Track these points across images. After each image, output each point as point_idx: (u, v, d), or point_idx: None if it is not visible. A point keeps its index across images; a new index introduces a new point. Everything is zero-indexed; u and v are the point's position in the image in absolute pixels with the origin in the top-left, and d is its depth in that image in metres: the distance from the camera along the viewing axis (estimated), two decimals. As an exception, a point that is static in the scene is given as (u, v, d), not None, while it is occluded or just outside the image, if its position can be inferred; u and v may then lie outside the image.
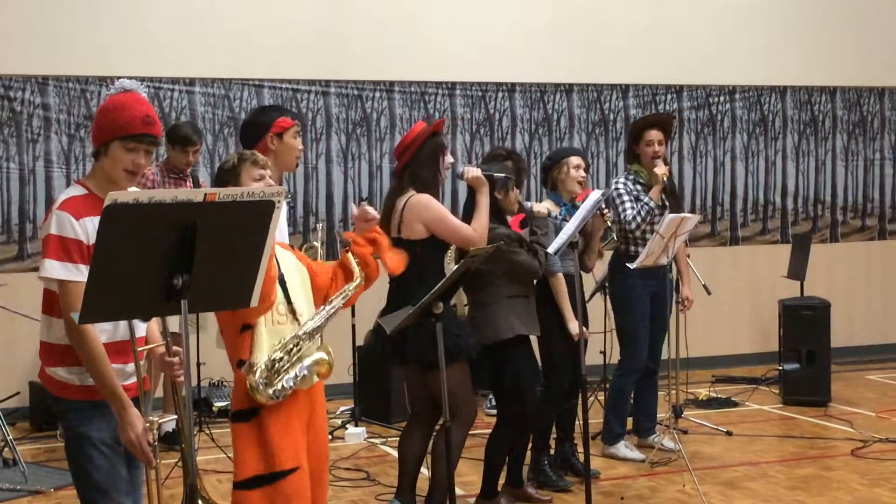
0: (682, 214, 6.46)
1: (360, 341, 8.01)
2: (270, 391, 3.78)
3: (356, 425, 7.77)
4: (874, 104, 10.99)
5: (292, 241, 5.61)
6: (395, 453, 7.22)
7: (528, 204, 5.94)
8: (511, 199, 5.71)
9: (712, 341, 10.24)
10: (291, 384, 3.84)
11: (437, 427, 5.40)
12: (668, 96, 10.26)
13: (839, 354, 9.60)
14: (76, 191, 3.63)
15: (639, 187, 6.82)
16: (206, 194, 2.94)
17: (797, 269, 9.73)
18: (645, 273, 6.64)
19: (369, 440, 7.58)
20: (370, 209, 4.34)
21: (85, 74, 8.52)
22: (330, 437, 7.44)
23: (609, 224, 6.01)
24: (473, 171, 5.40)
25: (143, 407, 3.60)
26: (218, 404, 8.01)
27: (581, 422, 5.59)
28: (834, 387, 8.64)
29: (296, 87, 9.12)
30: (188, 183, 7.36)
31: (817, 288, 9.74)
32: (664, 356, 6.99)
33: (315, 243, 4.44)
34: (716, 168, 10.47)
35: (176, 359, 3.62)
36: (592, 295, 7.68)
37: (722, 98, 10.45)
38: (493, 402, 8.15)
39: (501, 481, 5.97)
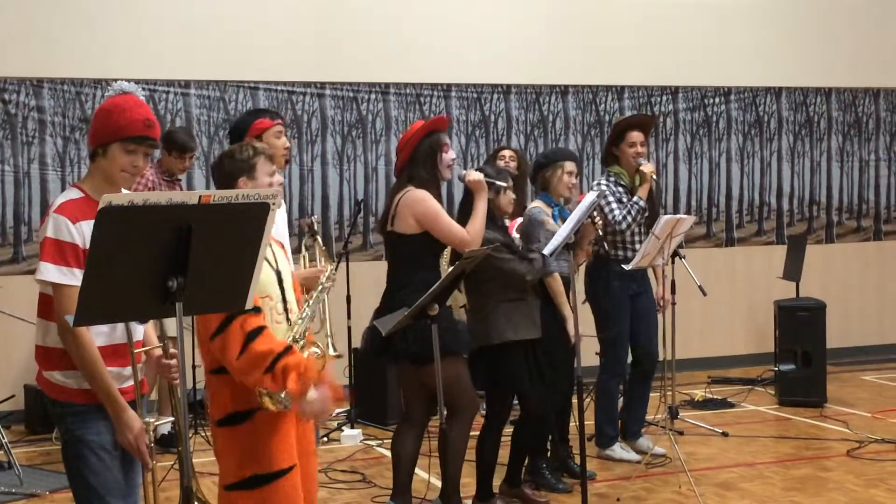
0: (678, 216, 6.47)
1: (356, 343, 8.02)
2: (281, 395, 3.73)
3: (352, 427, 7.76)
4: (869, 105, 11.00)
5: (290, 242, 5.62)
6: (390, 455, 7.22)
7: (536, 211, 5.98)
8: (504, 202, 5.71)
9: (708, 342, 10.25)
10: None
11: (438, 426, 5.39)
12: (664, 97, 10.27)
13: (835, 355, 9.61)
14: (73, 194, 3.63)
15: (621, 189, 6.78)
16: (200, 196, 2.94)
17: (793, 270, 9.74)
18: (623, 276, 6.65)
19: (365, 442, 7.57)
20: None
21: (80, 77, 8.51)
22: (326, 439, 7.49)
23: (599, 232, 6.01)
24: (474, 175, 5.41)
25: (140, 409, 3.60)
26: (214, 407, 8.00)
27: (577, 423, 5.58)
28: (829, 387, 8.65)
29: (291, 89, 9.11)
30: (179, 186, 7.39)
31: (813, 289, 9.75)
32: (659, 357, 6.99)
33: (313, 218, 4.46)
34: (711, 169, 10.48)
35: (173, 361, 3.61)
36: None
37: (717, 99, 10.46)
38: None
39: (497, 481, 5.97)
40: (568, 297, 5.95)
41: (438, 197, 5.36)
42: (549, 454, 6.47)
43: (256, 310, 3.67)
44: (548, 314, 5.93)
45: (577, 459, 6.03)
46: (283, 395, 3.73)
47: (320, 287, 4.10)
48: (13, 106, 8.42)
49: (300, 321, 3.91)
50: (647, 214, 6.74)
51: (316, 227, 4.73)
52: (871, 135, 11.04)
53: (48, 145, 8.48)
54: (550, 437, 6.50)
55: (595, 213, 5.93)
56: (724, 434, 7.60)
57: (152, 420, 3.61)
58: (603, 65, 10.00)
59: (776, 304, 8.96)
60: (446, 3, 9.57)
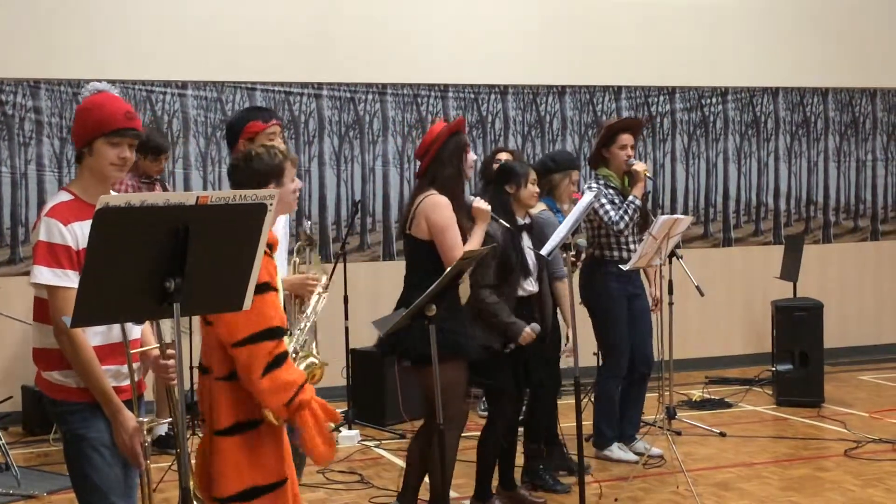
0: (675, 216, 6.47)
1: (353, 344, 8.03)
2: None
3: (350, 428, 7.76)
4: (866, 105, 11.01)
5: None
6: (389, 456, 7.23)
7: (546, 215, 6.00)
8: (525, 195, 5.77)
9: (705, 342, 10.25)
10: None
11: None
12: (661, 98, 10.27)
13: (832, 355, 9.62)
14: (63, 197, 3.66)
15: (611, 191, 6.78)
16: (198, 197, 2.94)
17: (790, 270, 9.75)
18: (620, 277, 6.66)
19: (363, 443, 7.57)
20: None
21: (77, 77, 8.50)
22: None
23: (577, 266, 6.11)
24: (482, 204, 5.39)
25: (136, 410, 3.60)
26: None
27: (575, 423, 5.58)
28: (827, 387, 8.66)
29: (288, 89, 9.11)
30: (157, 187, 7.35)
31: (810, 289, 9.76)
32: (656, 357, 6.99)
33: (311, 233, 4.43)
34: (708, 169, 10.48)
35: (171, 361, 3.61)
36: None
37: (714, 99, 10.46)
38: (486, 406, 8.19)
39: (495, 483, 5.97)
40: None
41: (462, 197, 5.35)
42: (545, 455, 6.48)
43: (285, 332, 3.63)
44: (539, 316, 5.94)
45: (573, 457, 6.04)
46: None
47: (317, 298, 4.07)
48: (10, 107, 8.41)
49: (300, 331, 3.89)
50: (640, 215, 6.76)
51: (313, 238, 4.70)
52: (868, 135, 11.05)
53: (45, 146, 8.48)
54: (545, 440, 6.51)
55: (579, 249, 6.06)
56: (722, 434, 7.60)
57: (146, 420, 3.60)
58: (600, 65, 10.01)
59: (773, 304, 8.97)
60: (444, 4, 9.57)
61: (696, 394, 8.93)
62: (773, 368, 8.81)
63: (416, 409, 7.86)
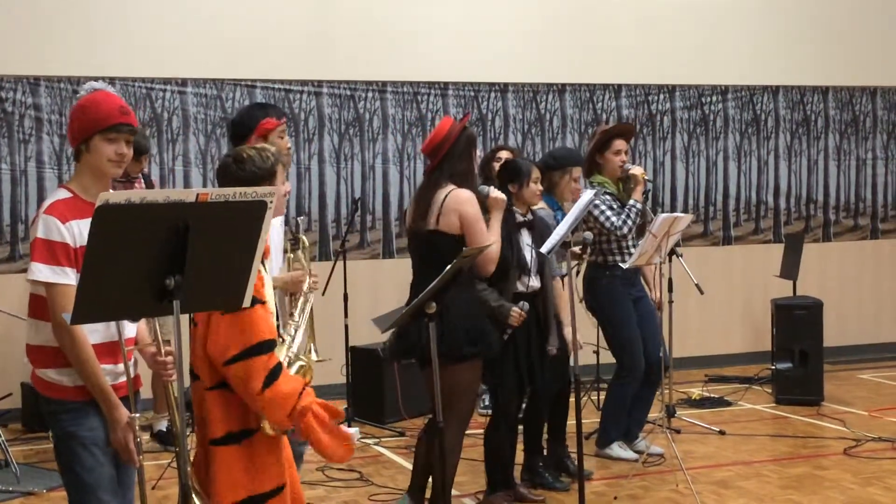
0: (675, 214, 6.46)
1: (353, 342, 8.03)
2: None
3: (349, 425, 7.71)
4: (866, 104, 11.01)
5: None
6: (388, 453, 7.23)
7: (544, 213, 6.00)
8: (528, 194, 5.80)
9: (705, 341, 10.25)
10: None
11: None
12: (661, 96, 10.27)
13: (832, 354, 9.61)
14: (61, 194, 3.68)
15: (608, 198, 6.75)
16: (198, 194, 2.93)
17: (790, 269, 9.75)
18: (625, 280, 6.65)
19: (363, 440, 7.57)
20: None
21: (76, 75, 8.50)
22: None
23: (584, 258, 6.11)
24: (499, 195, 5.45)
25: (133, 406, 3.61)
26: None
27: (574, 422, 5.58)
28: (826, 386, 8.66)
29: (288, 87, 9.11)
30: (139, 184, 7.32)
31: (810, 287, 9.76)
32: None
33: (303, 237, 4.41)
34: (708, 168, 10.48)
35: (169, 358, 3.61)
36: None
37: (714, 98, 10.46)
38: (487, 402, 8.19)
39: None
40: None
41: (475, 191, 5.37)
42: (545, 453, 6.48)
43: (276, 343, 3.59)
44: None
45: (574, 458, 6.04)
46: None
47: (304, 298, 4.06)
48: (10, 104, 8.41)
49: (290, 337, 3.86)
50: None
51: (302, 228, 4.68)
52: (868, 133, 11.05)
53: (45, 143, 8.48)
54: (547, 436, 6.52)
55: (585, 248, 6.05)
56: (721, 432, 7.60)
57: (137, 416, 3.61)
58: (600, 63, 10.00)
59: (773, 302, 8.97)
60: (444, 2, 9.57)
61: (696, 392, 8.93)
62: (773, 367, 8.81)
63: (415, 406, 7.88)
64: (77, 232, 3.54)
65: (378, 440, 7.55)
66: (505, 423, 5.83)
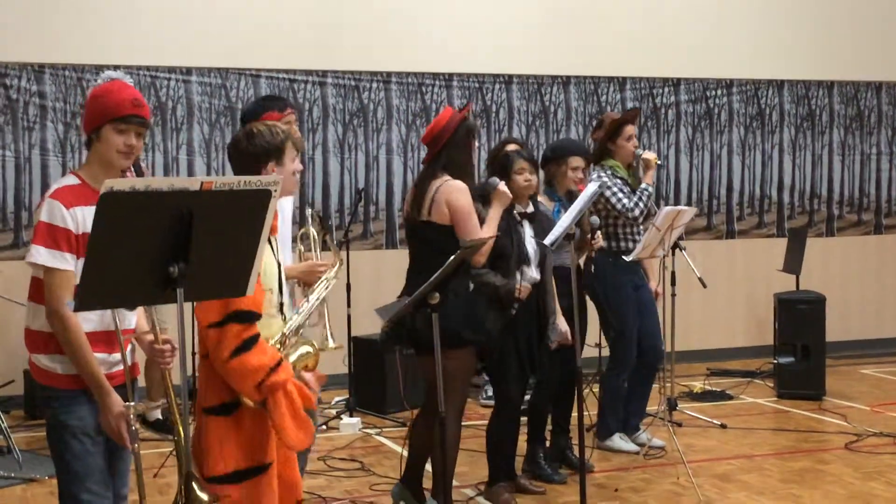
0: (679, 207, 6.47)
1: (355, 332, 8.03)
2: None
3: (351, 415, 7.77)
4: (871, 99, 10.99)
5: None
6: (390, 444, 7.24)
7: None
8: (515, 186, 5.73)
9: (707, 334, 10.26)
10: None
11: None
12: (665, 89, 10.25)
13: (834, 348, 9.61)
14: (69, 180, 3.67)
15: (619, 181, 6.76)
16: (202, 182, 2.93)
17: (793, 263, 9.74)
18: (627, 269, 6.65)
19: (364, 430, 7.58)
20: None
21: (81, 63, 8.50)
22: (325, 427, 7.49)
23: (595, 249, 6.11)
24: (505, 189, 5.46)
25: (130, 394, 3.61)
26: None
27: (577, 414, 5.59)
28: (828, 381, 8.65)
29: (293, 77, 9.10)
30: (130, 173, 7.31)
31: (813, 282, 9.76)
32: (659, 349, 7.00)
33: (312, 228, 4.41)
34: (712, 161, 10.47)
35: (167, 346, 3.61)
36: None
37: (719, 91, 10.45)
38: (489, 394, 8.20)
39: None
40: (568, 288, 5.93)
41: (472, 181, 5.39)
42: (548, 444, 6.49)
43: (258, 316, 3.60)
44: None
45: (576, 451, 6.05)
46: None
47: (325, 283, 4.06)
48: (14, 91, 8.41)
49: (295, 317, 3.85)
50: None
51: (315, 234, 4.68)
52: (872, 128, 11.03)
53: (49, 131, 8.48)
54: (550, 428, 6.53)
55: (598, 237, 6.02)
56: (723, 426, 7.60)
57: (132, 403, 3.62)
58: (605, 56, 9.99)
59: (776, 296, 8.96)
60: (449, -7, 9.56)
61: (698, 385, 8.93)
62: (775, 361, 8.81)
63: (417, 397, 7.87)
64: (81, 218, 3.54)
65: (380, 430, 7.56)
66: (507, 414, 5.84)
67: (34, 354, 3.68)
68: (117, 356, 3.66)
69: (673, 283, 6.59)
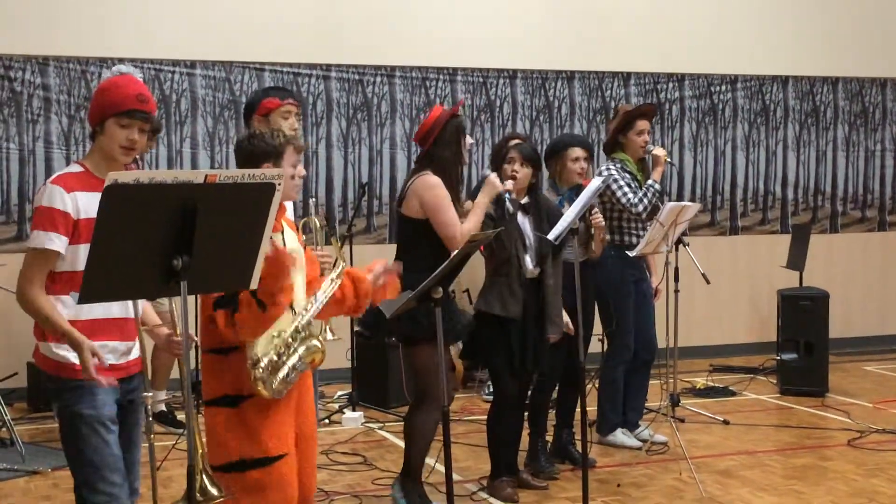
0: (683, 203, 6.46)
1: (358, 326, 8.03)
2: (275, 385, 3.72)
3: (353, 410, 7.78)
4: (876, 95, 10.98)
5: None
6: (392, 438, 7.24)
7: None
8: (503, 173, 5.71)
9: (710, 330, 10.25)
10: (293, 377, 3.77)
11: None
12: (670, 85, 10.24)
13: (837, 345, 9.61)
14: (73, 168, 3.71)
15: (627, 175, 6.76)
16: (206, 175, 2.93)
17: (796, 260, 9.74)
18: (628, 262, 6.65)
19: (366, 425, 7.59)
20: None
21: (85, 55, 8.50)
22: (327, 421, 7.50)
23: (597, 223, 6.06)
24: (497, 181, 5.47)
25: (146, 386, 3.61)
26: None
27: (580, 409, 5.58)
28: (831, 377, 8.66)
29: (296, 70, 9.10)
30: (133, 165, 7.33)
31: (816, 278, 9.75)
32: (661, 345, 6.98)
33: (315, 219, 4.41)
34: (716, 157, 10.46)
35: (180, 339, 3.61)
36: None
37: (723, 87, 10.43)
38: (491, 389, 8.20)
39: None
40: (572, 282, 5.92)
41: (457, 179, 5.41)
42: (552, 438, 6.49)
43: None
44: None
45: (579, 446, 6.05)
46: (275, 385, 3.72)
47: (331, 280, 4.07)
48: (18, 84, 8.41)
49: (305, 312, 3.88)
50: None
51: (318, 227, 4.69)
52: (877, 125, 11.02)
53: (53, 123, 8.48)
54: (556, 422, 6.53)
55: (598, 215, 5.99)
56: (726, 422, 7.60)
57: (150, 394, 3.64)
58: (609, 51, 9.98)
59: (779, 293, 8.96)
60: (453, -13, 9.55)
61: (701, 381, 8.93)
62: (778, 357, 8.81)
63: (419, 391, 7.88)
64: (81, 204, 3.56)
65: (382, 425, 7.57)
66: (503, 409, 5.83)
67: (43, 343, 3.68)
68: (127, 345, 3.66)
69: (676, 279, 6.58)
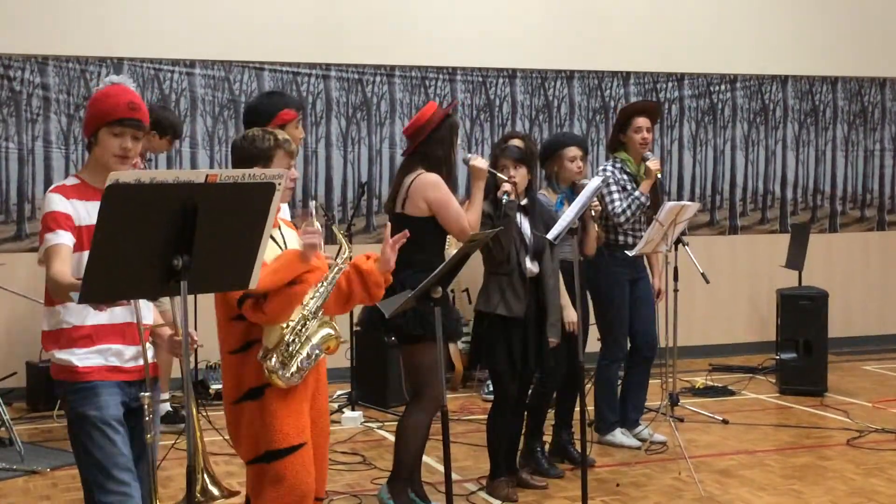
0: (682, 202, 6.46)
1: (357, 327, 8.03)
2: (289, 374, 3.86)
3: (353, 409, 7.78)
4: (875, 94, 10.98)
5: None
6: (391, 437, 7.23)
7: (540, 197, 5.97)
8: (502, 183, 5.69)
9: (710, 330, 10.25)
10: (307, 365, 3.91)
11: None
12: (669, 84, 10.24)
13: (836, 344, 9.61)
14: (69, 181, 3.74)
15: (626, 176, 6.73)
16: (207, 175, 2.94)
17: (795, 259, 9.74)
18: (624, 261, 6.65)
19: (366, 424, 7.59)
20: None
21: (85, 55, 8.50)
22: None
23: (594, 215, 6.00)
24: (479, 162, 5.44)
25: (150, 390, 3.61)
26: (215, 386, 8.00)
27: (579, 409, 5.59)
28: (830, 377, 8.66)
29: (296, 70, 9.09)
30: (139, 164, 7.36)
31: (815, 278, 9.75)
32: (661, 344, 6.99)
33: (312, 210, 4.42)
34: (716, 157, 10.47)
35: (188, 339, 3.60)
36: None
37: (723, 87, 10.44)
38: (490, 388, 8.20)
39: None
40: (571, 282, 5.92)
41: (449, 179, 5.40)
42: (550, 438, 6.49)
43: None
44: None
45: (578, 445, 6.05)
46: (289, 374, 3.86)
47: (336, 268, 4.09)
48: (18, 83, 8.40)
49: (312, 299, 3.94)
50: (647, 207, 6.73)
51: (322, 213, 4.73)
52: (876, 124, 11.02)
53: (52, 123, 8.48)
54: (555, 422, 6.53)
55: (595, 199, 5.93)
56: (725, 422, 7.61)
57: (146, 394, 3.64)
58: (609, 51, 9.98)
59: (778, 292, 8.96)
60: (453, -14, 9.55)
61: (700, 381, 8.94)
62: (777, 357, 8.81)
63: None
64: (82, 211, 3.59)
65: (381, 424, 7.57)
66: (503, 409, 5.83)
67: (50, 352, 3.69)
68: (132, 350, 3.67)
69: (675, 279, 6.58)
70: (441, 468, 5.43)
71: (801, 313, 8.60)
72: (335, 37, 9.16)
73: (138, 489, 3.67)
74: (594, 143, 9.94)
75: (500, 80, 9.70)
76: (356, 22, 9.20)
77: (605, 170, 6.75)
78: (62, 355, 3.63)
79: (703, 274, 6.63)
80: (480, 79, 9.64)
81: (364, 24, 9.22)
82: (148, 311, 3.76)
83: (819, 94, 10.77)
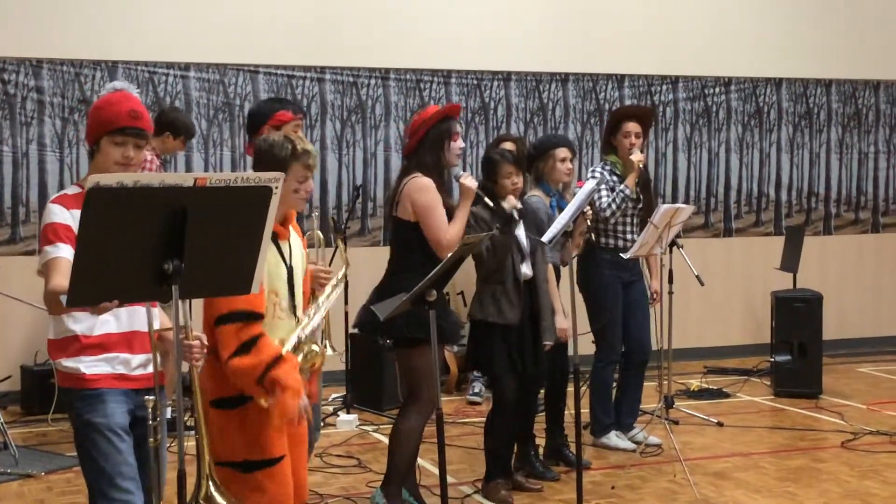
0: (677, 205, 6.46)
1: (353, 329, 8.03)
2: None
3: (348, 412, 7.77)
4: (869, 97, 11.00)
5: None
6: (386, 441, 7.23)
7: (534, 200, 5.96)
8: (501, 189, 5.67)
9: (705, 332, 10.26)
10: None
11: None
12: (664, 87, 10.25)
13: (831, 347, 9.62)
14: (70, 190, 3.72)
15: (615, 178, 6.75)
16: (195, 179, 2.92)
17: (790, 262, 9.75)
18: (616, 264, 6.65)
19: (361, 427, 7.58)
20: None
21: (80, 58, 8.50)
22: (322, 423, 7.48)
23: (589, 223, 5.99)
24: (469, 181, 5.37)
25: (158, 399, 3.60)
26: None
27: (573, 412, 5.58)
28: (825, 379, 8.66)
29: (291, 73, 9.09)
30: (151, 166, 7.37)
31: (810, 280, 9.76)
32: (655, 347, 6.99)
33: (318, 232, 4.44)
34: (710, 159, 10.47)
35: (196, 342, 3.59)
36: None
37: (717, 89, 10.44)
38: (475, 390, 8.21)
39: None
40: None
41: (441, 184, 5.37)
42: (544, 441, 6.49)
43: (258, 316, 3.76)
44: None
45: (573, 448, 6.05)
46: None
47: (331, 289, 4.08)
48: (12, 86, 8.40)
49: (307, 318, 3.91)
50: (640, 206, 6.74)
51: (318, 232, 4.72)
52: (870, 127, 11.04)
53: (47, 126, 8.47)
54: (546, 425, 6.53)
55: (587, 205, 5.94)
56: (720, 424, 7.61)
57: (150, 397, 3.64)
58: (603, 53, 9.99)
59: (773, 294, 8.97)
60: (448, -11, 9.55)
61: (695, 383, 8.93)
62: (772, 359, 8.82)
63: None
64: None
65: (377, 427, 7.56)
66: (502, 412, 5.83)
67: (56, 360, 3.68)
68: (139, 358, 3.66)
69: (670, 281, 6.59)
70: (436, 471, 5.42)
71: (796, 315, 8.60)
72: (330, 40, 9.16)
73: (142, 498, 3.66)
74: (588, 145, 9.95)
75: (495, 83, 9.71)
76: (351, 25, 9.20)
77: (594, 171, 6.80)
78: (69, 363, 3.62)
79: (697, 276, 6.64)
80: (475, 82, 9.64)
81: (359, 27, 9.22)
82: (155, 318, 3.75)
83: (813, 96, 10.78)
